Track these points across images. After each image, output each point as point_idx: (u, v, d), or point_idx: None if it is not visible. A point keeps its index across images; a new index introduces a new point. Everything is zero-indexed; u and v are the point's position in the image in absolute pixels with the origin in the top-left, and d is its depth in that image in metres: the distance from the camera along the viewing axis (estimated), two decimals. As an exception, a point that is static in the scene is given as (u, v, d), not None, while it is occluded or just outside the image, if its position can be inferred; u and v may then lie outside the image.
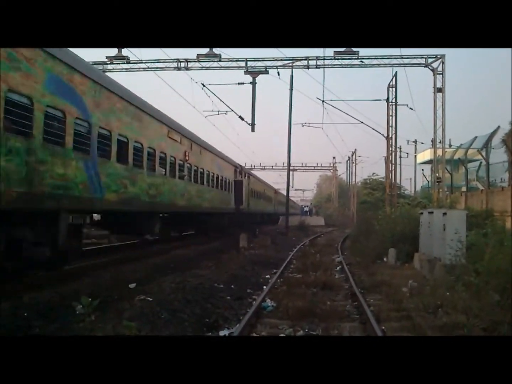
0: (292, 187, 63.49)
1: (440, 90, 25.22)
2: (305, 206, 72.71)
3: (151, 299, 8.07)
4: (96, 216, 12.81)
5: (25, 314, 6.69)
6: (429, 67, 25.34)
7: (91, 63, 17.35)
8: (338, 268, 14.73)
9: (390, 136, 27.91)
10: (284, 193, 42.83)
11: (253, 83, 25.92)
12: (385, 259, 15.91)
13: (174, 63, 26.40)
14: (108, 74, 18.82)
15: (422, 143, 46.79)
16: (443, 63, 25.19)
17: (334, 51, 24.92)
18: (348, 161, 62.36)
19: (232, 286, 10.32)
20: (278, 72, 26.54)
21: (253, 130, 26.90)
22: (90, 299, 5.78)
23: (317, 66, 25.86)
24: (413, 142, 50.12)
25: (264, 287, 10.52)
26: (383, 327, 7.10)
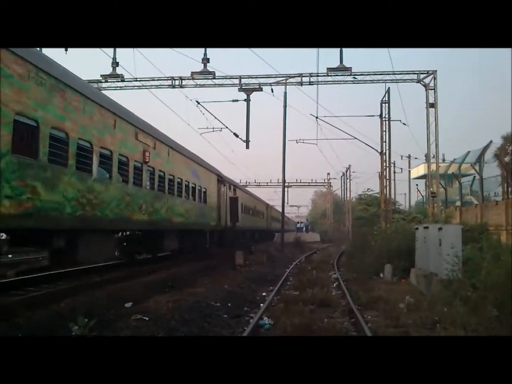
0: (287, 203, 63.61)
1: (432, 105, 25.47)
2: (300, 223, 72.63)
3: (147, 319, 7.99)
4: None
5: (19, 335, 6.58)
6: (421, 82, 25.62)
7: (86, 81, 17.02)
8: (334, 284, 14.67)
9: (384, 151, 28.04)
10: (279, 209, 42.78)
11: (247, 100, 26.07)
12: (381, 275, 15.88)
13: (168, 81, 26.56)
14: (103, 92, 18.78)
15: (416, 158, 47.03)
16: (434, 78, 25.48)
17: (327, 68, 25.22)
18: (343, 177, 62.60)
19: (229, 304, 10.25)
20: (271, 89, 26.77)
21: (247, 147, 26.97)
22: (86, 319, 5.71)
23: (310, 83, 26.08)
24: (407, 157, 50.45)
25: (261, 304, 10.45)
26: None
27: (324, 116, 28.87)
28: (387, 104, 27.62)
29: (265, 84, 26.46)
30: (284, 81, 26.85)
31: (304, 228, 64.09)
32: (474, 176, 25.33)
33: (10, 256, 17.93)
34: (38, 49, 9.78)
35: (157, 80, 26.67)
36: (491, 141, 22.19)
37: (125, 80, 26.46)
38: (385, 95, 27.44)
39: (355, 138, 29.48)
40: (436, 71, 25.66)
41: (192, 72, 25.97)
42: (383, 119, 27.88)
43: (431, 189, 26.95)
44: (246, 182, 62.92)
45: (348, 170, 59.63)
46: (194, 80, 26.33)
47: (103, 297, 9.70)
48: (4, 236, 10.18)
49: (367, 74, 25.71)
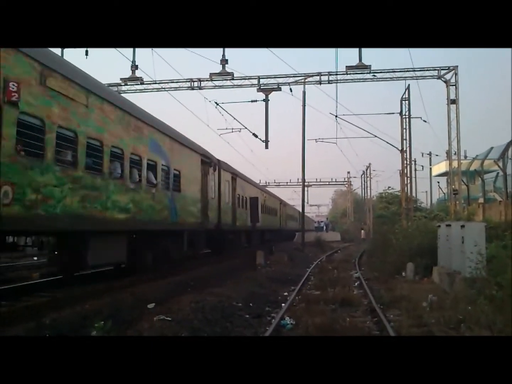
0: (307, 202, 63.36)
1: (454, 101, 25.16)
2: (320, 222, 72.32)
3: (170, 319, 8.07)
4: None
5: (47, 335, 6.71)
6: (442, 78, 25.32)
7: (106, 84, 16.82)
8: (356, 283, 14.61)
9: (405, 149, 27.79)
10: (298, 208, 42.30)
11: (266, 100, 26.11)
12: (403, 273, 15.74)
13: (187, 83, 26.74)
14: (123, 95, 18.91)
15: (437, 155, 46.58)
16: (456, 74, 25.19)
17: (346, 66, 25.09)
18: (363, 176, 62.14)
19: (251, 304, 10.29)
20: (290, 89, 26.73)
21: (266, 147, 27.00)
22: (102, 322, 5.75)
23: (329, 82, 25.98)
24: (428, 154, 49.85)
25: (283, 304, 10.48)
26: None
27: (344, 115, 28.55)
28: (407, 101, 27.36)
29: (284, 84, 26.47)
30: (302, 81, 26.80)
31: (324, 228, 63.78)
32: (498, 173, 24.89)
33: (35, 258, 18.31)
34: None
35: (176, 82, 26.88)
36: (514, 137, 21.81)
37: (145, 82, 26.72)
38: (405, 92, 27.20)
39: (375, 136, 29.30)
40: (457, 66, 25.41)
41: (210, 74, 26.10)
42: (403, 116, 27.64)
43: (453, 186, 26.61)
44: (266, 182, 62.94)
45: (368, 169, 59.18)
46: (213, 82, 26.46)
47: (126, 298, 9.81)
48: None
49: (387, 72, 25.53)
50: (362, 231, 55.03)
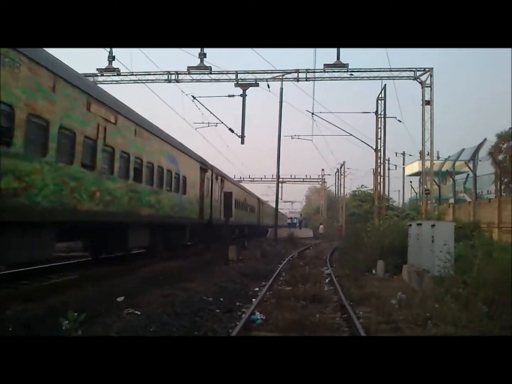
0: (281, 199, 63.58)
1: (428, 102, 25.54)
2: (294, 218, 72.66)
3: (139, 313, 7.99)
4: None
5: (10, 328, 6.56)
6: (418, 80, 25.66)
7: (83, 74, 16.70)
8: (327, 280, 14.70)
9: (379, 148, 28.09)
10: (272, 204, 42.55)
11: (243, 95, 26.06)
12: (374, 271, 15.93)
13: (164, 75, 26.48)
14: (99, 85, 18.64)
15: (411, 155, 47.10)
16: (431, 76, 25.55)
17: (324, 64, 25.18)
18: (337, 173, 62.61)
19: (221, 299, 10.25)
20: (268, 85, 26.73)
21: (242, 142, 26.97)
22: (76, 313, 5.69)
23: (307, 79, 26.08)
24: (402, 154, 50.43)
25: (253, 299, 10.47)
26: (373, 340, 7.08)
27: (320, 112, 28.86)
28: (383, 101, 27.64)
29: (262, 79, 26.47)
30: (280, 77, 26.84)
31: (297, 224, 64.11)
32: (468, 174, 25.46)
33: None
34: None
35: (153, 74, 26.61)
36: (485, 139, 22.35)
37: (121, 74, 26.35)
38: (381, 92, 27.47)
39: (350, 134, 29.54)
40: (432, 68, 25.80)
41: (188, 67, 25.90)
42: (379, 116, 27.92)
43: (425, 186, 27.05)
44: (241, 178, 62.89)
45: (343, 167, 59.66)
46: (191, 75, 26.27)
47: (95, 291, 9.68)
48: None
49: (364, 71, 25.77)
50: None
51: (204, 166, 21.93)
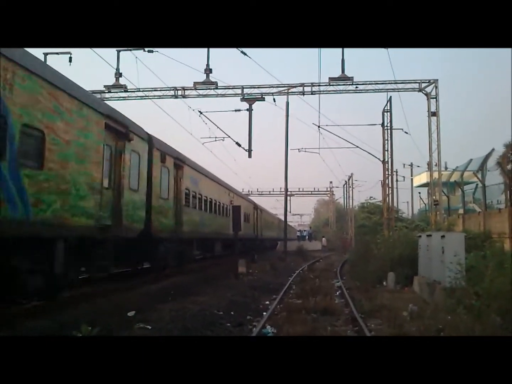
0: (290, 212, 63.44)
1: (434, 114, 25.52)
2: (303, 231, 72.49)
3: (150, 327, 7.99)
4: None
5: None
6: (423, 91, 25.68)
7: (90, 91, 16.78)
8: (337, 293, 14.64)
9: (386, 160, 28.05)
10: (281, 217, 41.91)
11: (250, 109, 26.17)
12: (384, 283, 15.84)
13: (171, 91, 26.69)
14: (106, 102, 18.76)
15: (418, 166, 46.84)
16: (436, 87, 25.55)
17: (329, 77, 25.25)
18: (345, 185, 62.45)
19: (232, 313, 10.24)
20: (274, 99, 26.83)
21: (250, 156, 27.02)
22: (90, 327, 5.71)
23: (312, 93, 26.15)
24: (409, 165, 50.26)
25: (264, 313, 10.44)
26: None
27: (326, 125, 28.74)
28: (388, 113, 27.66)
29: (267, 93, 26.58)
30: (286, 91, 26.96)
31: (307, 237, 63.90)
32: (477, 184, 25.33)
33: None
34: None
35: (160, 90, 26.79)
36: (493, 149, 22.21)
37: (128, 90, 26.59)
38: (386, 104, 27.50)
39: (357, 147, 29.52)
40: (437, 80, 25.76)
41: (194, 83, 26.07)
42: (385, 127, 27.92)
43: (434, 197, 26.92)
44: (249, 191, 62.87)
45: (351, 179, 59.52)
46: (197, 90, 26.44)
47: (106, 306, 9.69)
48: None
49: (369, 83, 25.79)
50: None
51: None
